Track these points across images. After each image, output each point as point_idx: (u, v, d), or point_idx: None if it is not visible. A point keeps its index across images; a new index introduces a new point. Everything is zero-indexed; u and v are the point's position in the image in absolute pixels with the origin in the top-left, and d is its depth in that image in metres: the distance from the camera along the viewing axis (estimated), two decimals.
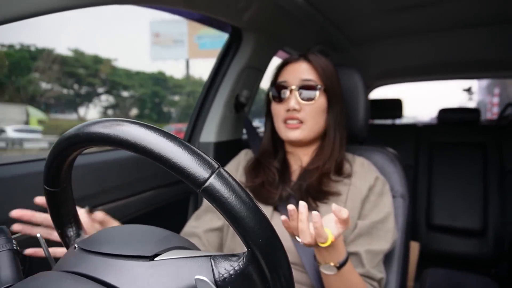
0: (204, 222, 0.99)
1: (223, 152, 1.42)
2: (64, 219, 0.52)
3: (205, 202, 1.04)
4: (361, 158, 1.00)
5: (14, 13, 0.62)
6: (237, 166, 1.08)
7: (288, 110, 0.93)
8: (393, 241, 0.90)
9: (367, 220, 0.88)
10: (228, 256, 0.40)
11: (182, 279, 0.38)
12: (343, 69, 1.10)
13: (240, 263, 0.38)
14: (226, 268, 0.38)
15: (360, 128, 1.09)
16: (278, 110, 0.97)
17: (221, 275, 0.38)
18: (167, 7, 1.06)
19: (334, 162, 0.94)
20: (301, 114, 0.93)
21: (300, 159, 1.01)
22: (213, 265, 0.39)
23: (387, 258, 1.00)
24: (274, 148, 1.04)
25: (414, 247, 1.90)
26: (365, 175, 0.94)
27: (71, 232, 0.53)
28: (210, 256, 0.40)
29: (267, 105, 1.04)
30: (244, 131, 1.55)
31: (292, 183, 0.96)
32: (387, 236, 0.88)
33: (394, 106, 2.61)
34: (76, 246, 0.46)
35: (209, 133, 1.40)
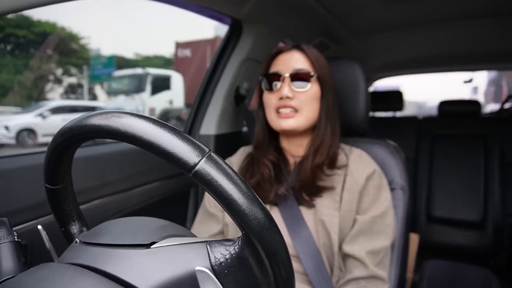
0: (206, 228, 0.99)
1: (224, 145, 1.42)
2: (67, 217, 0.53)
3: (204, 204, 1.03)
4: (359, 150, 0.99)
5: (14, 4, 0.61)
6: (231, 166, 1.06)
7: (281, 99, 0.91)
8: (394, 236, 0.89)
9: (367, 215, 0.87)
10: (224, 241, 0.40)
11: (179, 266, 0.39)
12: (343, 61, 1.09)
13: (236, 247, 0.38)
14: (222, 252, 0.39)
15: (361, 120, 1.08)
16: (270, 99, 0.94)
17: (217, 260, 0.38)
18: None
19: (326, 153, 0.93)
20: (295, 102, 0.90)
21: (294, 153, 1.00)
22: (209, 250, 0.39)
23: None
24: (269, 140, 1.01)
25: (414, 239, 1.90)
26: (363, 165, 0.92)
27: (74, 229, 0.54)
28: (206, 242, 0.40)
29: (259, 96, 1.02)
30: (245, 123, 1.55)
31: (287, 179, 0.96)
32: (387, 230, 0.87)
33: (394, 99, 2.61)
34: (78, 241, 0.46)
35: (209, 126, 1.40)
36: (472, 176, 2.25)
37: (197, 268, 0.37)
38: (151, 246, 0.41)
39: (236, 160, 1.07)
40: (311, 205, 0.90)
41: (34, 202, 0.80)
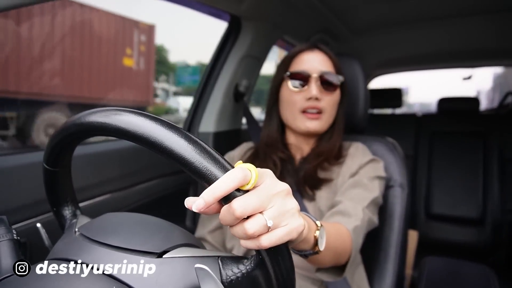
0: (207, 224, 1.00)
1: (222, 142, 1.42)
2: (61, 198, 0.52)
3: None
4: (357, 143, 1.01)
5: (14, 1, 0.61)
6: (232, 159, 1.06)
7: (309, 99, 0.91)
8: (379, 193, 0.88)
9: (354, 177, 0.89)
10: (236, 258, 0.40)
11: (190, 279, 0.39)
12: (343, 58, 1.09)
13: (248, 267, 0.39)
14: (233, 270, 0.39)
15: (360, 117, 1.08)
16: (295, 98, 0.93)
17: (228, 277, 0.39)
18: None
19: (332, 150, 0.96)
20: (322, 104, 0.92)
21: (301, 149, 1.01)
22: (220, 266, 0.39)
23: (386, 246, 1.00)
24: (281, 138, 1.02)
25: (413, 235, 1.91)
26: (357, 156, 0.95)
27: (66, 211, 0.53)
28: (218, 256, 0.40)
29: (275, 93, 1.01)
30: (244, 121, 1.55)
31: (290, 174, 0.97)
32: (373, 187, 0.87)
33: (393, 96, 2.60)
34: (77, 231, 0.45)
35: (208, 123, 1.40)
36: (471, 173, 2.26)
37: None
38: (163, 256, 0.40)
39: (237, 154, 1.07)
40: (312, 198, 0.92)
41: (33, 200, 0.79)
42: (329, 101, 0.93)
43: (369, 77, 2.89)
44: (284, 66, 0.99)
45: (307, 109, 0.92)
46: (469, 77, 2.83)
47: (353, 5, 1.58)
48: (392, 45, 2.27)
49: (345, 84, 0.98)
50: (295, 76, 0.94)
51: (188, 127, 1.43)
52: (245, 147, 1.10)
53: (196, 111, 1.42)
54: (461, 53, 2.40)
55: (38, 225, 0.54)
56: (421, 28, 1.91)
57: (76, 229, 0.46)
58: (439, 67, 2.91)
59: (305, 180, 0.93)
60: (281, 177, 0.95)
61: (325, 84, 0.92)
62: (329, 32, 1.79)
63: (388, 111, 3.00)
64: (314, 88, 0.90)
